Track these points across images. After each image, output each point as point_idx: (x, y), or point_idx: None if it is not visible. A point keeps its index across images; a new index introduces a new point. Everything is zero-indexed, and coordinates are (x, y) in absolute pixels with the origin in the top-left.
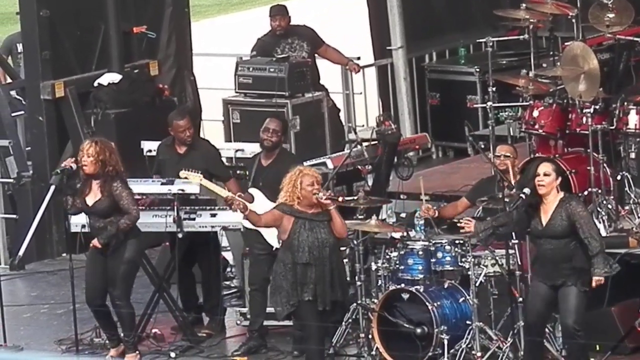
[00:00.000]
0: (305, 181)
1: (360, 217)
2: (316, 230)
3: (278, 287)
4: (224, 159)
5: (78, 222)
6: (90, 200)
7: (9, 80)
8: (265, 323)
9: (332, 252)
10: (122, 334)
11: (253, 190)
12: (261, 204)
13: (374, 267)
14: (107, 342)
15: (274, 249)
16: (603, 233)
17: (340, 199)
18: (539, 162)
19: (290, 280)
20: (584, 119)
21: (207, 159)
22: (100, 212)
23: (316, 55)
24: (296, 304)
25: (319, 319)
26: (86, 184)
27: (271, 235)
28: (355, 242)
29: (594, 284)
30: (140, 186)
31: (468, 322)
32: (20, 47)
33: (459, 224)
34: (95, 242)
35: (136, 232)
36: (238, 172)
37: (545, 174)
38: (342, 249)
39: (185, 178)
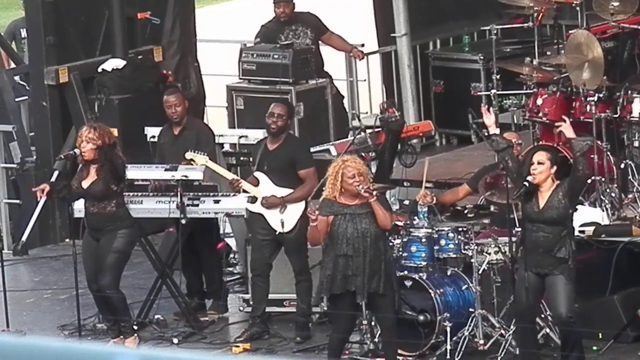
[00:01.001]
0: (347, 172)
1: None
2: (357, 221)
3: (321, 277)
4: (227, 145)
5: (81, 207)
6: (86, 183)
7: (12, 65)
8: (268, 309)
9: (372, 244)
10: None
11: (258, 174)
12: (266, 188)
13: None
14: (108, 330)
15: (277, 233)
16: (606, 221)
17: (374, 192)
18: (535, 151)
19: (329, 271)
20: (588, 107)
21: (198, 138)
22: (94, 194)
23: (320, 42)
24: (330, 294)
25: (352, 310)
26: (84, 169)
27: (275, 220)
28: None
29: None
30: (144, 172)
31: (471, 309)
32: (24, 33)
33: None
34: (43, 186)
35: (130, 222)
36: (242, 158)
37: (539, 163)
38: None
39: (191, 160)
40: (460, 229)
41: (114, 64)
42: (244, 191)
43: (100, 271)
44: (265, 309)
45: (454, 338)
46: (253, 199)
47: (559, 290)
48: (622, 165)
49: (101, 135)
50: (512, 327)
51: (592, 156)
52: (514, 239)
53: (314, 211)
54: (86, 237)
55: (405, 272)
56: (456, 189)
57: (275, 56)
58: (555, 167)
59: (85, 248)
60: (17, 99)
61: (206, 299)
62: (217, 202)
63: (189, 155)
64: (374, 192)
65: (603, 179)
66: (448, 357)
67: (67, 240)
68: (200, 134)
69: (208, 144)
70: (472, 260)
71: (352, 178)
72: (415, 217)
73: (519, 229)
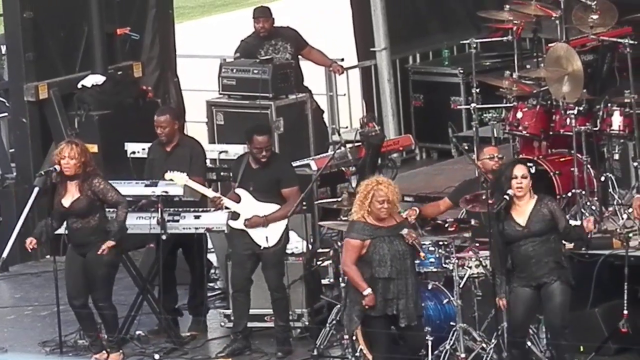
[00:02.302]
0: (377, 196)
1: (344, 218)
2: (395, 242)
3: (353, 302)
4: (207, 161)
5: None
6: (66, 201)
7: None
8: (249, 324)
9: (412, 265)
10: (105, 336)
11: (239, 191)
12: (248, 204)
13: None
14: (90, 346)
15: (262, 248)
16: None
17: (422, 254)
18: (512, 165)
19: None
20: (568, 120)
21: (191, 155)
22: (78, 211)
23: (300, 56)
24: (373, 314)
25: (389, 335)
26: (62, 186)
27: (259, 236)
28: (339, 243)
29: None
30: (124, 188)
31: (452, 323)
32: (3, 49)
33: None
34: (108, 244)
35: (109, 234)
36: (222, 173)
37: (523, 177)
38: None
39: (171, 180)
40: (441, 243)
41: (93, 80)
42: (226, 208)
43: (92, 285)
44: (246, 324)
45: (436, 352)
46: (235, 215)
47: (555, 299)
48: (603, 178)
49: (83, 151)
50: (493, 340)
51: (572, 169)
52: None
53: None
54: (70, 253)
55: None
56: (437, 203)
57: (255, 71)
58: (530, 180)
59: (69, 264)
60: None
61: (179, 316)
62: (197, 217)
63: (168, 175)
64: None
65: (583, 192)
66: None
67: (48, 256)
68: (192, 150)
69: (200, 162)
70: (453, 274)
71: (381, 204)
72: None
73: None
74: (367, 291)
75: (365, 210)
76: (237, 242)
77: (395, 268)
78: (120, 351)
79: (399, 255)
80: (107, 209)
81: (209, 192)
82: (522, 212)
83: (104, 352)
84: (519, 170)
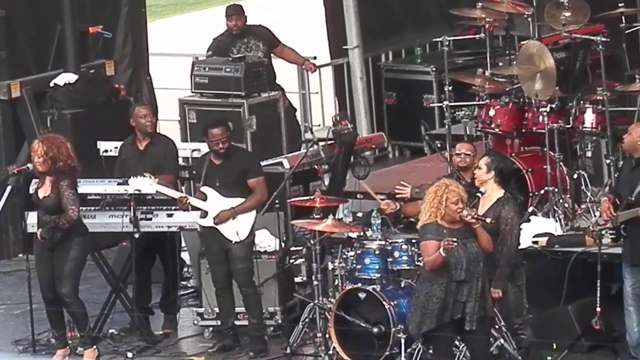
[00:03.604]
0: (451, 198)
1: (316, 216)
2: (469, 245)
3: (420, 307)
4: (180, 159)
5: (34, 222)
6: (41, 194)
7: None
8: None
9: (483, 268)
10: (76, 334)
11: (205, 189)
12: (215, 201)
13: (330, 266)
14: (56, 342)
15: (233, 242)
16: (559, 232)
17: (488, 220)
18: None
19: (439, 299)
20: (540, 118)
21: (165, 153)
22: (46, 207)
23: (272, 55)
24: (439, 324)
25: (454, 339)
26: (42, 179)
27: (229, 230)
28: (311, 241)
29: (493, 296)
30: (97, 186)
31: None
32: None
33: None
34: (38, 232)
35: (82, 230)
36: (194, 172)
37: (478, 167)
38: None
39: (138, 190)
40: (413, 241)
41: (66, 78)
42: (193, 208)
43: (58, 281)
44: (234, 320)
45: (408, 350)
46: (204, 214)
47: (506, 300)
48: (575, 176)
49: (50, 147)
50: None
51: (544, 167)
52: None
53: (450, 243)
54: (39, 247)
55: (359, 284)
56: (416, 203)
57: (228, 69)
58: (492, 173)
59: (39, 258)
60: None
61: (150, 314)
62: (170, 215)
63: (134, 184)
64: (478, 219)
65: (556, 190)
66: None
67: (21, 255)
68: (166, 149)
69: (173, 160)
70: None
71: (456, 204)
72: (369, 230)
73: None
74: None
75: (440, 214)
76: (211, 240)
77: (470, 271)
78: (94, 347)
79: (473, 258)
80: (80, 207)
81: (175, 193)
82: (484, 206)
83: (68, 348)
84: (480, 161)
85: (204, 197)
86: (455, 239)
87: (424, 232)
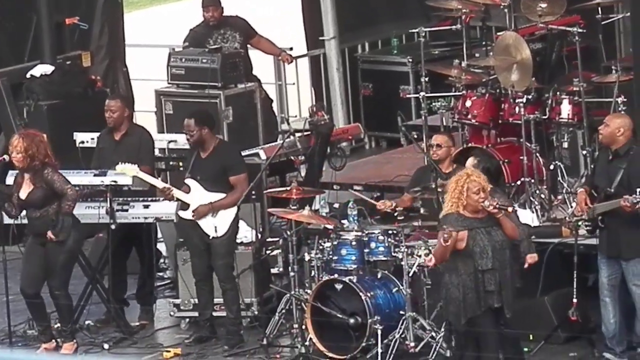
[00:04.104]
0: (472, 187)
1: (293, 207)
2: (493, 234)
3: (453, 299)
4: (156, 150)
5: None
6: (23, 193)
7: None
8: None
9: (511, 255)
10: (59, 325)
11: (189, 181)
12: (198, 194)
13: (307, 257)
14: (40, 335)
15: (210, 237)
16: (536, 223)
17: (510, 208)
18: (466, 153)
19: (470, 289)
20: (517, 109)
21: (140, 144)
22: (35, 202)
23: (249, 46)
24: (476, 313)
25: (497, 327)
26: (19, 177)
27: (208, 225)
28: (288, 232)
29: (529, 262)
30: (73, 177)
31: (401, 312)
32: None
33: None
34: (50, 234)
35: (74, 221)
36: (171, 163)
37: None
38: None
39: (122, 172)
40: (390, 232)
41: (42, 69)
42: (176, 199)
43: (51, 273)
44: (212, 312)
45: (385, 341)
46: (184, 206)
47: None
48: (552, 167)
49: (30, 144)
50: (442, 329)
51: (521, 158)
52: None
53: (449, 233)
54: (30, 243)
55: (336, 275)
56: (401, 199)
57: (204, 60)
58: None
59: (28, 254)
60: None
61: (125, 305)
62: (146, 207)
63: (119, 167)
64: (501, 208)
65: (532, 181)
66: (379, 359)
67: None
68: (141, 139)
69: (148, 149)
70: (402, 262)
71: (477, 194)
72: (345, 220)
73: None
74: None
75: (462, 204)
76: (192, 232)
77: (497, 259)
78: (74, 340)
79: (498, 246)
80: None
81: (159, 183)
82: None
83: (53, 341)
84: (468, 161)
85: (187, 190)
86: (452, 229)
87: (443, 222)
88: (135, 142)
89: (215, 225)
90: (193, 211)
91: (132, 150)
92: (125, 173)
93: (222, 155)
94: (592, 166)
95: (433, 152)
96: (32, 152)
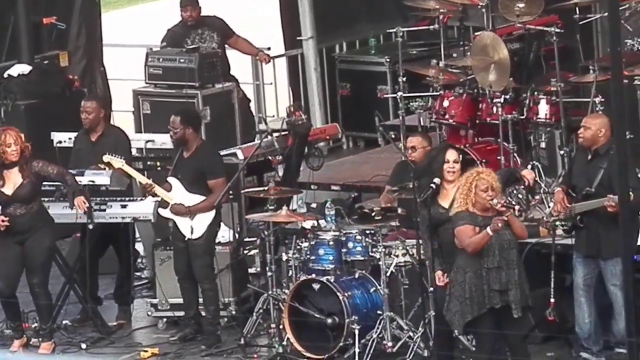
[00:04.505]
0: (480, 185)
1: (270, 207)
2: (501, 232)
3: (456, 297)
4: (134, 150)
5: None
6: (8, 189)
7: None
8: (177, 314)
9: (518, 254)
10: (37, 325)
11: (171, 180)
12: (178, 193)
13: (284, 257)
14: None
15: (186, 238)
16: None
17: (517, 207)
18: (444, 149)
19: (476, 287)
20: (494, 109)
21: (116, 145)
22: (23, 197)
23: (226, 45)
24: (481, 312)
25: (496, 329)
26: (1, 176)
27: (185, 226)
28: (265, 232)
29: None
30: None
31: (379, 312)
32: None
33: None
34: (79, 200)
35: (50, 217)
36: (149, 163)
37: (454, 161)
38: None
39: (107, 163)
40: (367, 232)
41: (19, 69)
42: (156, 195)
43: (31, 271)
44: (197, 309)
45: (362, 341)
46: (164, 204)
47: None
48: (529, 167)
49: (17, 137)
50: (420, 329)
51: (499, 158)
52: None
53: (501, 220)
54: (8, 243)
55: (313, 275)
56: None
57: (182, 60)
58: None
59: (5, 253)
60: None
61: (99, 304)
62: (124, 206)
63: (106, 158)
64: (509, 207)
65: None
66: (356, 359)
67: None
68: (118, 140)
69: (125, 150)
70: (380, 262)
71: (485, 192)
72: (323, 220)
73: None
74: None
75: (470, 202)
76: (175, 232)
77: (504, 258)
78: (52, 340)
79: (505, 245)
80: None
81: (142, 178)
82: (447, 196)
83: (24, 337)
84: (451, 154)
85: (169, 187)
86: (505, 218)
87: (457, 219)
88: (111, 143)
89: (191, 227)
90: (171, 206)
91: (108, 151)
92: (112, 164)
93: (201, 157)
94: (568, 166)
95: (409, 154)
96: (21, 145)
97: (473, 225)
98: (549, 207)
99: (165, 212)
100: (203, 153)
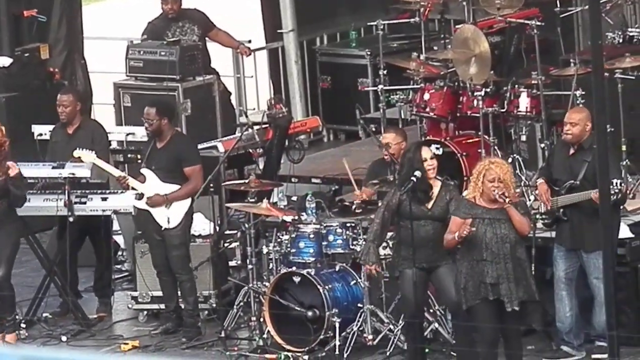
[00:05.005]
0: (488, 175)
1: (251, 200)
2: (496, 225)
3: (457, 285)
4: (114, 143)
5: None
6: None
7: None
8: (157, 307)
9: (513, 249)
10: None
11: (145, 171)
12: (152, 184)
13: (265, 250)
14: None
15: (162, 229)
16: None
17: (507, 200)
18: (418, 149)
19: (470, 277)
20: (475, 102)
21: (93, 138)
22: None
23: (207, 38)
24: (475, 302)
25: (495, 320)
26: None
27: (161, 216)
28: (246, 225)
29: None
30: (31, 170)
31: (359, 305)
32: None
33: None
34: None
35: (16, 213)
36: (129, 155)
37: (431, 158)
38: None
39: (79, 158)
40: (348, 225)
41: (0, 62)
42: (132, 188)
43: None
44: (177, 303)
45: (343, 333)
46: (140, 196)
47: (447, 280)
48: (510, 160)
49: (2, 132)
50: (400, 321)
51: (479, 151)
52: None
53: (470, 231)
54: None
55: (294, 268)
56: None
57: (162, 53)
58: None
59: None
60: None
61: (79, 297)
62: (104, 199)
63: (77, 153)
64: (510, 198)
65: None
66: (337, 352)
67: None
68: (94, 133)
69: (102, 143)
70: None
71: (492, 182)
72: (303, 213)
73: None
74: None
75: (478, 191)
76: (148, 223)
77: (492, 251)
78: (16, 332)
79: (496, 239)
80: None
81: (115, 171)
82: (432, 194)
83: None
84: (426, 152)
85: (143, 180)
86: (473, 229)
87: (457, 206)
88: (88, 136)
89: (168, 217)
90: (148, 198)
91: (85, 144)
92: (83, 159)
93: (177, 146)
94: (546, 159)
95: (384, 153)
96: (1, 139)
97: (465, 217)
98: (529, 200)
99: (140, 204)
100: (178, 142)
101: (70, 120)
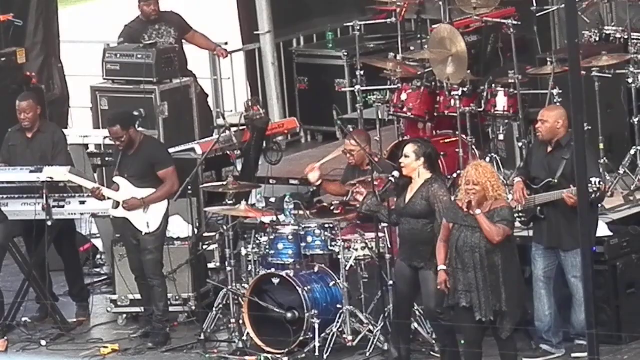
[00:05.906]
0: (464, 178)
1: (229, 202)
2: (469, 233)
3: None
4: (92, 146)
5: None
6: None
7: None
8: (136, 310)
9: (483, 259)
10: None
11: (118, 179)
12: (127, 192)
13: (244, 252)
14: None
15: (143, 234)
16: None
17: (466, 208)
18: (406, 143)
19: (451, 282)
20: (452, 102)
21: (53, 141)
22: None
23: (183, 41)
24: (450, 306)
25: (473, 328)
26: None
27: (140, 221)
28: (224, 227)
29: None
30: (9, 174)
31: (339, 306)
32: None
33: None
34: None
35: (2, 217)
36: (107, 159)
37: (405, 156)
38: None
39: (50, 177)
40: (326, 226)
41: None
42: (107, 198)
43: None
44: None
45: (323, 334)
46: (116, 204)
47: (429, 286)
48: (488, 159)
49: None
50: (380, 322)
51: (457, 150)
52: (381, 234)
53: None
54: None
55: (273, 270)
56: (337, 183)
57: (139, 56)
58: (422, 160)
59: None
60: None
61: (55, 300)
62: (82, 203)
63: (48, 172)
64: (474, 206)
65: None
66: (317, 353)
67: None
68: (54, 135)
69: (62, 147)
70: (339, 256)
71: (467, 185)
72: (282, 215)
73: (385, 225)
74: (440, 267)
75: (462, 194)
76: (125, 229)
77: (462, 259)
78: (5, 338)
79: (467, 248)
80: None
81: (88, 184)
82: (412, 191)
83: None
84: (405, 149)
85: (117, 188)
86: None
87: (446, 209)
88: (48, 139)
89: (147, 221)
90: (124, 202)
91: (45, 147)
92: (55, 177)
93: (147, 150)
94: (525, 157)
95: (348, 159)
96: None
97: (449, 221)
98: (507, 199)
99: (117, 212)
100: (148, 146)
101: (33, 126)
